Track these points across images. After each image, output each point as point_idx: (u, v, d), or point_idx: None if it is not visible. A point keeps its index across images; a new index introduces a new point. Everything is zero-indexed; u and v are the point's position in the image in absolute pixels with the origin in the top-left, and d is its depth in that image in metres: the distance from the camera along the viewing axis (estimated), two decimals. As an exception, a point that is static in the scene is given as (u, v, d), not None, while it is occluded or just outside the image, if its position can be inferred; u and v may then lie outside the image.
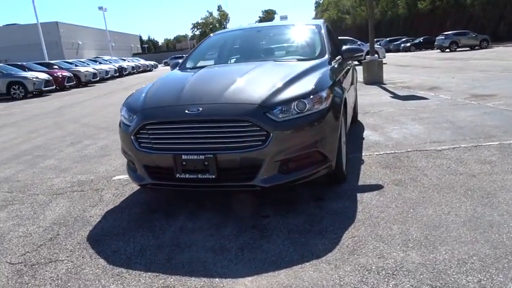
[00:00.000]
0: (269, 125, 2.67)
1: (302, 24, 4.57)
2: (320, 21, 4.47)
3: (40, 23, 57.79)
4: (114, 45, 58.74)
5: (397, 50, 37.49)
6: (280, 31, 4.84)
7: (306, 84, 3.01)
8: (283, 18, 40.41)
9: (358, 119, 6.24)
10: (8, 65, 20.10)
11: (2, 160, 5.53)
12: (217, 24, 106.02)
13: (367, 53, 12.81)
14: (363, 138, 4.98)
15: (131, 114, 3.08)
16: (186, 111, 2.80)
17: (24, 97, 17.16)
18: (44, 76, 18.20)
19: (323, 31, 4.13)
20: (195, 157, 2.73)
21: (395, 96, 8.62)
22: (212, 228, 2.77)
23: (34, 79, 17.45)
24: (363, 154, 4.28)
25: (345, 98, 3.52)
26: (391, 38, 41.37)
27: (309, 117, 2.81)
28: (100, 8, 43.39)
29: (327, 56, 3.74)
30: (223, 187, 2.81)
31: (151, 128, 2.90)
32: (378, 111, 6.89)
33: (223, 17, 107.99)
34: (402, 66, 18.38)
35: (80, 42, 59.42)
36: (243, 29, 5.14)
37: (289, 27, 4.84)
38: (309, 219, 2.80)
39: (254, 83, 3.15)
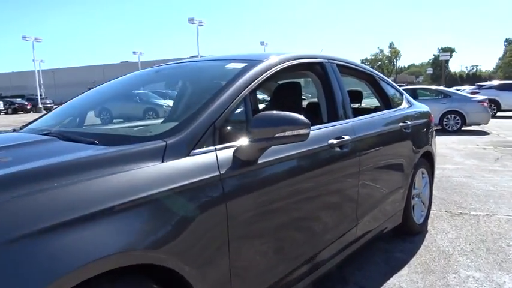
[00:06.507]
0: None
1: (231, 62, 2.16)
2: (273, 57, 2.07)
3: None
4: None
5: None
6: (185, 71, 2.56)
7: None
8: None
9: (434, 226, 3.44)
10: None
11: None
12: (386, 61, 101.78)
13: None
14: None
15: None
16: None
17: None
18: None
19: (245, 76, 1.83)
20: None
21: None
22: None
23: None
24: None
25: None
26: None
27: None
28: (261, 43, 45.83)
29: (182, 136, 1.50)
30: None
31: None
32: (508, 220, 3.81)
33: (394, 54, 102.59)
34: None
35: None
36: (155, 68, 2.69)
37: (204, 66, 2.48)
38: None
39: None
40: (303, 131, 1.60)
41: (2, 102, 36.47)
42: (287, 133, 1.57)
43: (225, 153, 1.56)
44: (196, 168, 1.44)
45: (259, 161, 1.64)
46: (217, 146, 1.57)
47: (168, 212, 1.31)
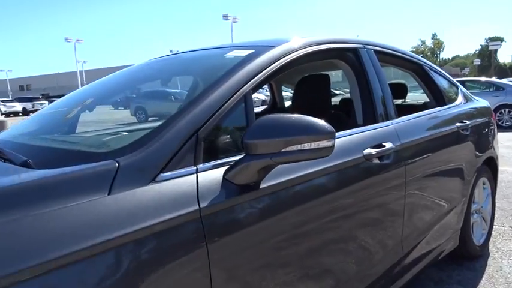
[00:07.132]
0: None
1: (234, 50, 1.66)
2: (282, 44, 1.52)
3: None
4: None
5: None
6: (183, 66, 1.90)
7: None
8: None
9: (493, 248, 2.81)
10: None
11: None
12: (429, 53, 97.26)
13: None
14: None
15: None
16: None
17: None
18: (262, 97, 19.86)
19: (248, 67, 1.32)
20: None
21: None
22: None
23: (255, 99, 19.37)
24: None
25: None
26: None
27: None
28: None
29: (144, 152, 1.04)
30: None
31: None
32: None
33: (437, 46, 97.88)
34: None
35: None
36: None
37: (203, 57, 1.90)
38: None
39: None
40: (324, 144, 1.09)
41: (47, 102, 38.11)
42: (300, 146, 1.07)
43: (211, 176, 1.09)
44: (162, 201, 0.98)
45: (262, 186, 1.15)
46: (200, 166, 1.10)
47: (112, 273, 0.86)
